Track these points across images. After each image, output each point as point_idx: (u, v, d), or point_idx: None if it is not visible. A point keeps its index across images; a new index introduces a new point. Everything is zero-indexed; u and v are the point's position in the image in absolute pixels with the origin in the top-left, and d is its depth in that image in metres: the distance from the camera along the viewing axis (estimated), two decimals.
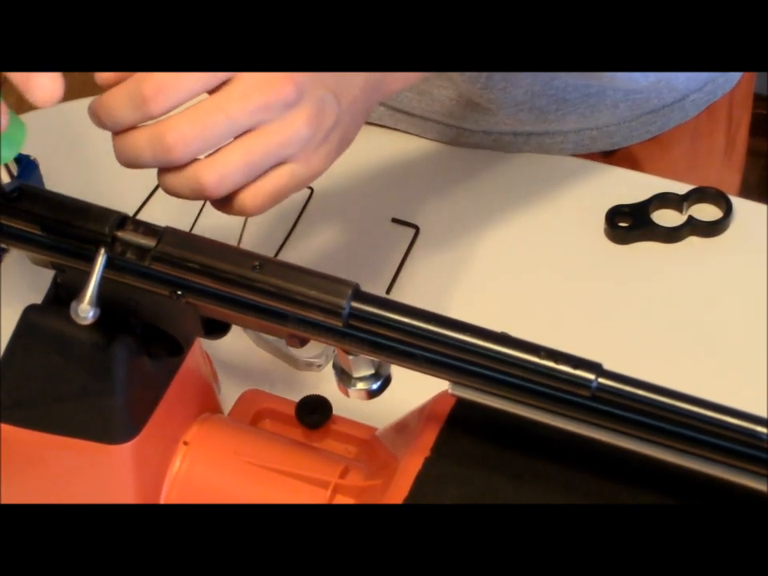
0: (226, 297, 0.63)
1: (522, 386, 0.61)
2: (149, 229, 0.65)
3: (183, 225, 0.94)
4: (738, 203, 0.93)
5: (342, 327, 0.62)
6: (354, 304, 0.62)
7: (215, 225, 0.94)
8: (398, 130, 1.01)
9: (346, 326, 0.62)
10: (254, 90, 0.64)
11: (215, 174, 0.65)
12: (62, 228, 0.64)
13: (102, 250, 0.64)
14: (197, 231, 0.94)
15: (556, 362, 0.60)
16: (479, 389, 0.62)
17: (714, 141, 1.07)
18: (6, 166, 0.64)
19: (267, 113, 0.65)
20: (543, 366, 0.60)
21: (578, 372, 0.60)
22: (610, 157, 1.02)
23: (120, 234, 0.64)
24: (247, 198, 0.67)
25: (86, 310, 0.63)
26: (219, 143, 0.65)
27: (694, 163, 1.06)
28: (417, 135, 1.00)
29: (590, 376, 0.59)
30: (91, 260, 0.63)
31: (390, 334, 0.62)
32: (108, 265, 0.64)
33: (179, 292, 0.64)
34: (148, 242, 0.64)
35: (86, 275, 0.63)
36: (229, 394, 0.81)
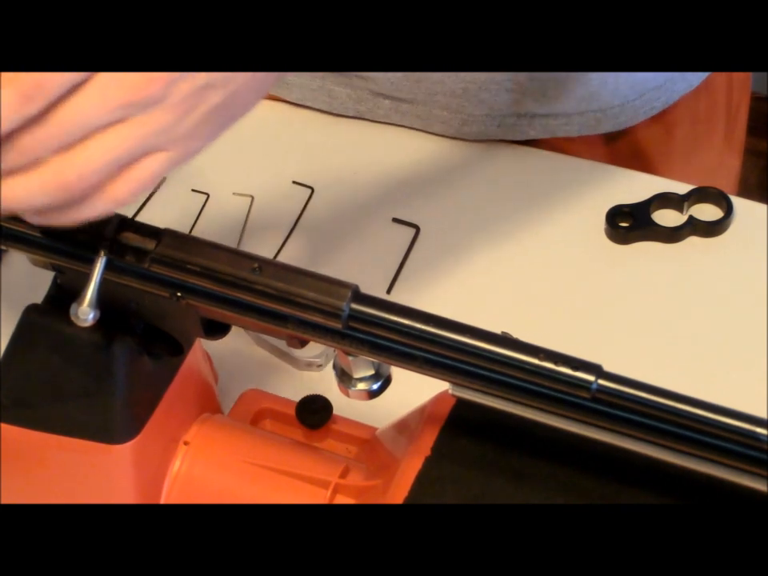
0: (225, 299, 0.63)
1: (522, 387, 0.61)
2: (148, 231, 0.65)
3: (183, 226, 0.94)
4: (738, 203, 0.93)
5: (341, 329, 0.62)
6: (354, 306, 0.62)
7: (215, 226, 0.95)
8: (404, 126, 1.00)
9: (345, 328, 0.62)
10: (115, 88, 0.59)
11: (74, 173, 0.60)
12: (61, 230, 0.64)
13: (102, 253, 0.64)
14: (196, 232, 0.94)
15: (556, 363, 0.60)
16: (479, 390, 0.62)
17: (714, 124, 1.07)
18: None
19: (128, 110, 0.60)
20: (543, 367, 0.60)
21: (578, 374, 0.60)
22: (614, 142, 1.02)
23: (119, 236, 0.64)
24: (114, 190, 0.62)
25: (85, 312, 0.63)
26: (76, 140, 0.60)
27: (694, 147, 1.06)
28: (421, 130, 1.00)
29: (590, 377, 0.60)
30: (91, 262, 0.64)
31: (389, 336, 0.62)
32: (108, 267, 0.64)
33: (179, 294, 0.64)
34: (147, 244, 0.64)
35: (86, 276, 0.63)
36: (229, 394, 0.81)
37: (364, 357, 0.64)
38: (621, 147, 1.02)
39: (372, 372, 0.65)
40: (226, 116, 0.64)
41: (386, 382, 0.66)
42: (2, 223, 0.65)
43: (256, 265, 0.63)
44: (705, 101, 1.04)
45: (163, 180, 0.98)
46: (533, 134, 0.98)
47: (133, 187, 0.61)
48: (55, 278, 0.68)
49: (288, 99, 1.02)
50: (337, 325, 0.62)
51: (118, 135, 0.60)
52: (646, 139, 1.03)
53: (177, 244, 0.64)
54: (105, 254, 0.64)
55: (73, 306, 0.63)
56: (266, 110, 1.02)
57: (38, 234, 0.65)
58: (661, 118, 1.02)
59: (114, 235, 0.64)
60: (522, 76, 0.95)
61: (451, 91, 0.96)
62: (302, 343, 0.65)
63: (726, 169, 1.09)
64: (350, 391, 0.66)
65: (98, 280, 0.63)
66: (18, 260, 0.73)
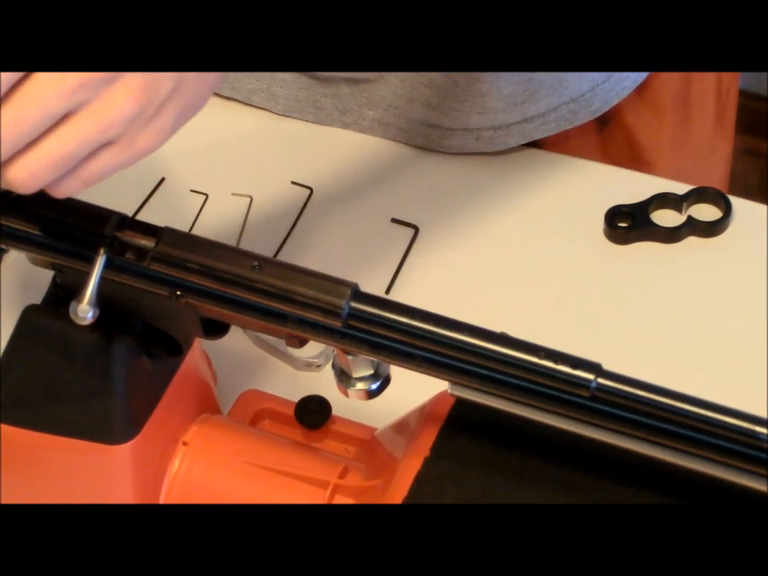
0: (225, 297, 0.64)
1: (521, 386, 0.61)
2: (148, 229, 0.65)
3: (182, 226, 0.94)
4: (738, 203, 0.93)
5: (341, 327, 0.62)
6: (353, 304, 0.62)
7: (214, 224, 0.95)
8: (388, 138, 1.00)
9: (345, 327, 0.62)
10: (69, 73, 0.57)
11: (24, 172, 0.58)
12: (61, 228, 0.64)
13: (102, 251, 0.64)
14: (196, 231, 0.94)
15: (555, 362, 0.60)
16: (478, 389, 0.62)
17: (705, 109, 1.07)
18: None
19: (85, 92, 0.57)
20: (543, 366, 0.60)
21: (578, 372, 0.60)
22: (606, 135, 1.02)
23: (119, 234, 0.64)
24: (61, 185, 0.60)
25: (85, 311, 0.63)
26: (35, 135, 0.58)
27: (686, 133, 1.06)
28: (405, 143, 1.00)
29: (590, 376, 0.60)
30: (90, 260, 0.64)
31: (389, 335, 0.62)
32: (107, 265, 0.64)
33: (178, 292, 0.64)
34: (147, 242, 0.64)
35: (86, 275, 0.63)
36: (228, 394, 0.81)
37: (363, 356, 0.64)
38: (614, 139, 1.02)
39: (371, 372, 0.65)
40: (179, 107, 0.61)
41: (385, 381, 0.66)
42: (2, 222, 0.65)
43: (255, 263, 0.63)
44: (695, 86, 1.05)
45: (162, 180, 0.98)
46: (512, 142, 0.98)
47: (75, 185, 0.60)
48: (55, 278, 0.68)
49: (275, 111, 1.02)
50: (336, 323, 0.62)
51: (74, 127, 0.58)
52: (639, 127, 1.03)
53: (176, 242, 0.64)
54: (104, 252, 0.64)
55: (72, 304, 0.63)
56: (267, 111, 1.02)
57: (38, 233, 0.65)
58: (652, 104, 1.02)
59: (113, 233, 0.64)
60: (492, 101, 0.95)
61: (427, 102, 0.96)
62: (302, 342, 0.65)
63: (718, 153, 1.10)
64: (349, 391, 0.66)
65: (97, 278, 0.63)
66: (18, 260, 0.74)
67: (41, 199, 0.65)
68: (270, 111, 1.02)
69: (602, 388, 0.60)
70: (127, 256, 0.64)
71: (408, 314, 0.62)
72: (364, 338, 0.62)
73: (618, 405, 0.60)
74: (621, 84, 0.99)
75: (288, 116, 1.02)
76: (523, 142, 0.98)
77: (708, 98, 1.07)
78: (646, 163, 1.04)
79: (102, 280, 0.63)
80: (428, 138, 0.99)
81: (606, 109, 0.99)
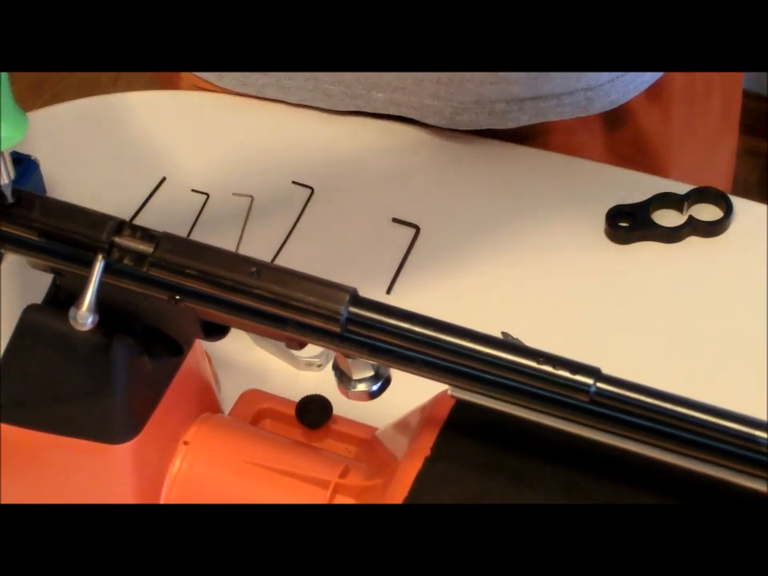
0: (223, 302, 0.64)
1: (520, 389, 0.61)
2: (146, 234, 0.64)
3: (182, 225, 0.94)
4: (738, 203, 0.93)
5: (340, 332, 0.62)
6: (352, 309, 0.62)
7: (215, 224, 0.95)
8: (402, 117, 1.00)
9: (344, 331, 0.62)
10: None
11: None
12: (59, 234, 0.64)
13: (100, 257, 0.63)
14: (196, 233, 0.94)
15: (554, 367, 0.60)
16: (478, 392, 0.62)
17: (711, 100, 1.07)
18: (5, 163, 0.64)
19: None
20: (542, 371, 0.60)
21: (577, 377, 0.60)
22: (613, 127, 1.02)
23: (117, 239, 0.64)
24: None
25: (84, 317, 0.63)
26: None
27: (693, 124, 1.06)
28: (418, 122, 1.00)
29: (589, 381, 0.60)
30: (89, 265, 0.63)
31: (388, 339, 0.62)
32: (106, 270, 0.64)
33: (177, 296, 0.64)
34: (145, 247, 0.64)
35: (85, 279, 0.63)
36: (229, 394, 0.81)
37: (363, 359, 0.64)
38: (620, 131, 1.02)
39: (371, 373, 0.65)
40: None
41: (386, 382, 0.66)
42: (0, 227, 0.65)
43: (254, 269, 0.63)
44: (702, 78, 1.04)
45: (163, 179, 0.98)
46: (525, 120, 0.97)
47: None
48: (55, 278, 0.68)
49: (288, 101, 1.02)
50: (335, 328, 0.62)
51: None
52: (645, 120, 1.03)
53: (175, 248, 0.64)
54: (103, 258, 0.64)
55: (72, 310, 0.63)
56: (268, 111, 1.03)
57: (36, 238, 0.65)
58: (658, 97, 1.02)
59: (110, 239, 0.64)
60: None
61: (437, 78, 0.96)
62: (301, 345, 0.65)
63: (723, 146, 1.10)
64: (349, 392, 0.66)
65: (96, 284, 0.63)
66: (18, 260, 0.74)
67: (38, 204, 0.65)
68: (283, 102, 1.02)
69: (601, 392, 0.59)
70: (125, 261, 0.64)
71: (407, 318, 0.62)
72: (363, 342, 0.62)
73: (617, 409, 0.60)
74: (640, 77, 0.99)
75: (302, 105, 1.02)
76: (536, 121, 0.97)
77: (714, 90, 1.07)
78: (653, 156, 1.04)
79: (101, 284, 0.63)
80: (440, 115, 0.98)
81: (623, 101, 0.99)
